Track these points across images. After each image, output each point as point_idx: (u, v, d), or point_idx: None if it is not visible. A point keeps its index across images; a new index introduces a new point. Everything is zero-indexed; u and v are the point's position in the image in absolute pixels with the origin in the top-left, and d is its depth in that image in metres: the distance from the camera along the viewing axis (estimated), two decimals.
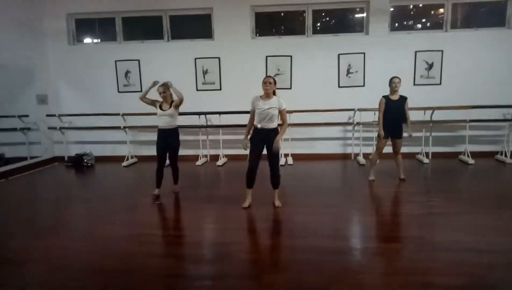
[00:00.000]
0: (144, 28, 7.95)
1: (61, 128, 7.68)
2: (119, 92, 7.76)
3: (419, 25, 7.69)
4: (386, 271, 2.81)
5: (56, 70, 7.76)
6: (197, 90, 7.62)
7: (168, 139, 4.98)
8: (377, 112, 5.65)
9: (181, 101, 4.91)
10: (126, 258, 3.19)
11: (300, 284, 2.64)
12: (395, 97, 5.35)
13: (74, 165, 7.38)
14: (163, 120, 4.94)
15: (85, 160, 7.40)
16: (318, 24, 7.70)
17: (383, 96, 5.41)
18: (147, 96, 5.00)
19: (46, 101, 7.73)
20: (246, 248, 3.40)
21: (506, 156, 6.78)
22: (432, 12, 7.69)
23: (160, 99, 5.01)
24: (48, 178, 6.71)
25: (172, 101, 4.96)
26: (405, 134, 5.36)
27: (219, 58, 7.48)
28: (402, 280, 2.65)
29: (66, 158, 7.73)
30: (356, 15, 7.67)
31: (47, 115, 7.64)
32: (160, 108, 4.96)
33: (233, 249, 3.31)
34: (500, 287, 2.56)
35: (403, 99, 5.34)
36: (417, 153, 7.27)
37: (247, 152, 4.33)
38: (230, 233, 3.72)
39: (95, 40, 8.10)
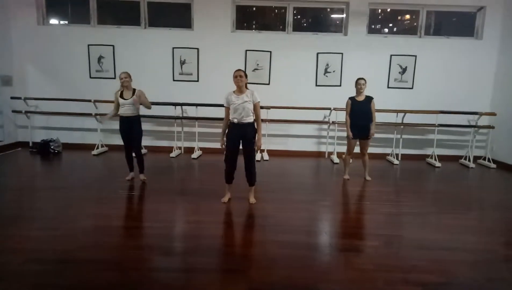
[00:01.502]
0: (120, 12, 7.67)
1: (26, 112, 7.28)
2: (91, 77, 7.45)
3: (396, 29, 7.92)
4: (369, 267, 2.88)
5: (22, 51, 7.33)
6: (173, 80, 7.45)
7: (130, 127, 4.98)
8: None
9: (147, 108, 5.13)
10: (100, 249, 3.09)
11: (287, 280, 2.66)
12: (360, 98, 5.44)
13: (40, 152, 7.01)
14: (125, 108, 4.93)
15: (52, 147, 7.06)
16: (298, 21, 7.74)
17: (349, 98, 5.51)
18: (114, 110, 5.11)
19: (11, 83, 7.30)
20: (225, 242, 3.38)
21: (469, 160, 7.14)
22: (407, 17, 7.95)
23: (120, 89, 5.02)
24: (12, 164, 6.35)
25: (134, 90, 4.98)
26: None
27: (197, 49, 7.36)
28: (385, 277, 2.73)
29: (30, 144, 7.36)
30: (336, 16, 7.78)
31: (12, 98, 7.22)
32: (122, 96, 4.93)
33: (212, 243, 3.29)
34: (475, 285, 2.69)
35: (368, 99, 5.44)
36: (388, 154, 7.51)
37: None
38: (206, 226, 3.67)
39: (66, 22, 7.73)
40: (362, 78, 5.41)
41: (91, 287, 2.53)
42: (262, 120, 7.09)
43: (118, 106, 4.98)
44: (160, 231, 3.55)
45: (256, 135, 4.20)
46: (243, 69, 7.21)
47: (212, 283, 2.61)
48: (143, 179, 5.18)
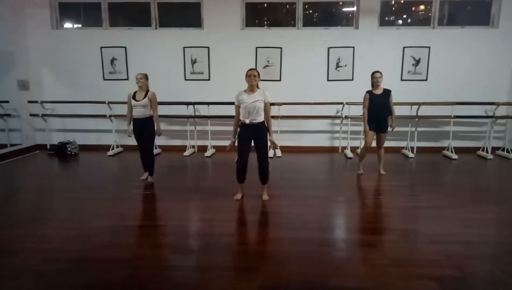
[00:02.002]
0: (131, 14, 7.78)
1: (43, 115, 7.45)
2: (104, 79, 7.58)
3: (408, 20, 7.78)
4: (383, 262, 2.85)
5: (38, 55, 7.51)
6: (185, 79, 7.51)
7: (142, 128, 4.99)
8: None
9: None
10: (115, 248, 3.13)
11: (300, 276, 2.65)
12: (378, 92, 5.36)
13: (57, 154, 7.18)
14: (137, 110, 4.96)
15: (69, 149, 7.22)
16: (309, 16, 7.67)
17: (367, 92, 5.41)
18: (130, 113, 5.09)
19: (28, 87, 7.49)
20: (238, 240, 3.39)
21: (487, 152, 6.98)
22: (420, 8, 7.79)
23: (134, 91, 5.03)
24: (31, 166, 6.53)
25: (148, 91, 4.99)
26: (389, 128, 5.43)
27: (208, 47, 7.39)
28: (399, 272, 2.69)
29: (48, 146, 7.54)
30: (346, 9, 7.69)
31: (29, 102, 7.41)
32: (134, 98, 4.96)
33: (224, 241, 3.30)
34: (492, 279, 2.64)
35: (387, 92, 5.35)
36: (403, 148, 7.40)
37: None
38: (219, 224, 3.69)
39: (79, 25, 7.87)
40: (378, 71, 5.33)
41: (105, 286, 2.58)
42: (274, 117, 7.16)
43: (131, 108, 5.03)
44: (174, 229, 3.59)
45: (268, 133, 4.19)
46: (254, 66, 7.27)
47: (225, 281, 2.63)
48: (150, 181, 5.18)
